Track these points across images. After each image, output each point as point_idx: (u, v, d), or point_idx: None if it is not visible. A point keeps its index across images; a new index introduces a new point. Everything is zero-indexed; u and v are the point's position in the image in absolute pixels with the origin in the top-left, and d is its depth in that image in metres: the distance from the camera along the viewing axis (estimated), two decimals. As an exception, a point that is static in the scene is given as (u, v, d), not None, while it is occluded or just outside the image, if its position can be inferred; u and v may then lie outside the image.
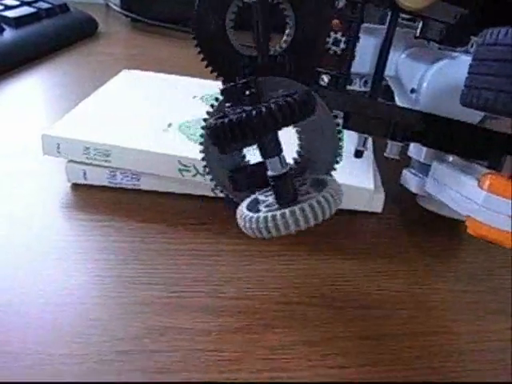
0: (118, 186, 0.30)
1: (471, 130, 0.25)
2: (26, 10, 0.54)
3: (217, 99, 0.22)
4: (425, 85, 0.26)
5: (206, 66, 0.23)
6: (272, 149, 0.18)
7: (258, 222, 0.18)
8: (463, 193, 0.23)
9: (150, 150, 0.28)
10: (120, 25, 0.66)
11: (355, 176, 0.29)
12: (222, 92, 0.20)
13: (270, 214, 0.17)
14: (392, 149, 0.26)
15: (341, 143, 0.22)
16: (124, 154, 0.28)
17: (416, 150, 0.28)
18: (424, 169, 0.28)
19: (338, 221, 0.29)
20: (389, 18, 0.25)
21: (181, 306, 0.22)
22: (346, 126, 0.25)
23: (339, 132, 0.22)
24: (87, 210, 0.28)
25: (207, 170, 0.23)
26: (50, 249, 0.25)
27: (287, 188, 0.19)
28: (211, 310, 0.22)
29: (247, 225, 0.18)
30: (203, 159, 0.23)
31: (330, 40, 0.24)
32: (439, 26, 0.25)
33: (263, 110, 0.16)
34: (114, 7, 0.65)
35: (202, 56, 0.22)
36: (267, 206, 0.19)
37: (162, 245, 0.26)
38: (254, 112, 0.16)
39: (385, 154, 0.26)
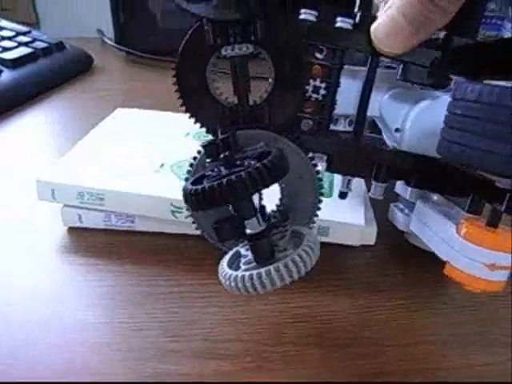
0: (113, 228, 0.30)
1: (453, 171, 0.25)
2: (23, 51, 0.56)
3: (199, 152, 0.23)
4: (408, 125, 0.27)
5: (190, 117, 0.24)
6: (247, 212, 0.19)
7: (237, 281, 0.19)
8: (443, 237, 0.24)
9: (142, 193, 0.28)
10: (114, 58, 0.67)
11: (346, 212, 0.29)
12: (203, 147, 0.21)
13: (247, 274, 0.18)
14: (376, 189, 0.26)
15: (321, 189, 0.23)
16: (117, 197, 0.29)
17: (402, 187, 0.29)
18: (410, 206, 0.28)
19: (330, 255, 0.29)
20: (369, 62, 0.26)
21: (174, 351, 0.23)
22: (329, 169, 0.26)
23: (319, 179, 0.23)
24: (83, 253, 0.29)
25: (192, 219, 0.23)
26: (46, 295, 0.26)
27: (264, 246, 0.20)
28: (205, 354, 0.23)
29: (227, 282, 0.19)
30: (188, 209, 0.23)
31: (310, 87, 0.25)
32: (419, 70, 0.26)
33: (233, 179, 0.17)
34: (109, 41, 0.67)
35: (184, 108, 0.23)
36: (246, 262, 0.20)
37: (157, 288, 0.27)
38: (224, 181, 0.17)
39: (369, 195, 0.27)
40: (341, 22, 0.25)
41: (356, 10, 0.25)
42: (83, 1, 0.82)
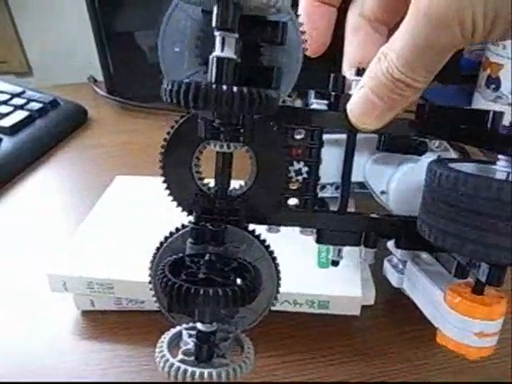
0: (124, 309, 0.32)
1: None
2: (19, 115, 0.57)
3: (177, 229, 0.24)
4: (393, 186, 0.28)
5: (168, 195, 0.25)
6: (206, 318, 0.21)
7: (171, 370, 0.20)
8: (431, 302, 0.25)
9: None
10: (107, 106, 0.68)
11: (344, 283, 0.30)
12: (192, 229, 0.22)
13: (182, 368, 0.19)
14: (367, 255, 0.28)
15: (279, 287, 0.25)
16: (126, 286, 0.30)
17: (393, 245, 0.30)
18: (403, 262, 0.30)
19: (330, 320, 0.31)
20: (347, 135, 0.27)
21: None
22: (319, 241, 0.27)
23: (279, 278, 0.24)
24: (97, 337, 0.31)
25: (152, 288, 0.25)
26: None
27: (207, 350, 0.21)
28: None
29: (161, 364, 0.20)
30: (150, 277, 0.25)
31: (292, 171, 0.26)
32: (398, 141, 0.27)
33: (210, 292, 0.18)
34: (101, 92, 0.68)
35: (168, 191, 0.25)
36: (185, 352, 0.21)
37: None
38: (202, 291, 0.18)
39: (360, 260, 0.28)
40: (316, 104, 0.26)
41: (330, 89, 0.26)
42: (73, 47, 0.84)
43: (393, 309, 0.32)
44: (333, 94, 0.26)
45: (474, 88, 0.64)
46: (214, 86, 0.17)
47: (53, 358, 0.30)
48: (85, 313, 0.32)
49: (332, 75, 0.26)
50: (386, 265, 0.31)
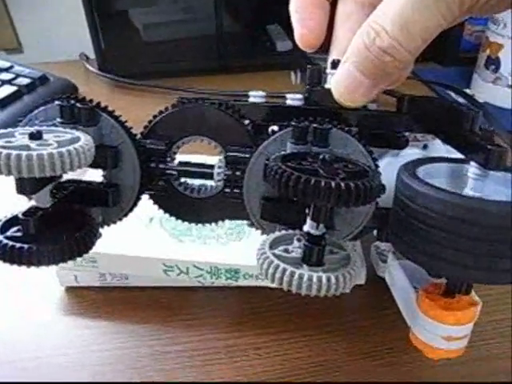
0: (108, 285, 0.31)
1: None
2: (7, 90, 0.56)
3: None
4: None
5: None
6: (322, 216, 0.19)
7: (284, 275, 0.18)
8: (405, 300, 0.24)
9: (133, 254, 0.29)
10: (99, 83, 0.67)
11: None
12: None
13: (298, 272, 0.18)
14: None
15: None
16: (109, 260, 0.29)
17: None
18: (388, 251, 0.29)
19: (321, 298, 0.30)
20: None
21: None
22: None
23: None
24: (81, 314, 0.30)
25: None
26: (44, 363, 0.27)
27: (318, 250, 0.19)
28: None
29: (270, 270, 0.18)
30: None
31: None
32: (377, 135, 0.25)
33: (332, 185, 0.17)
34: (92, 69, 0.67)
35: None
36: (291, 260, 0.20)
37: (155, 348, 0.27)
38: (323, 183, 0.17)
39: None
40: (290, 100, 0.24)
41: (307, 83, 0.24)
42: (64, 24, 0.81)
43: (385, 288, 0.31)
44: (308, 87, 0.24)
45: (473, 70, 0.62)
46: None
47: (36, 333, 0.29)
48: (69, 289, 0.31)
49: (309, 67, 0.24)
50: (373, 252, 0.30)
